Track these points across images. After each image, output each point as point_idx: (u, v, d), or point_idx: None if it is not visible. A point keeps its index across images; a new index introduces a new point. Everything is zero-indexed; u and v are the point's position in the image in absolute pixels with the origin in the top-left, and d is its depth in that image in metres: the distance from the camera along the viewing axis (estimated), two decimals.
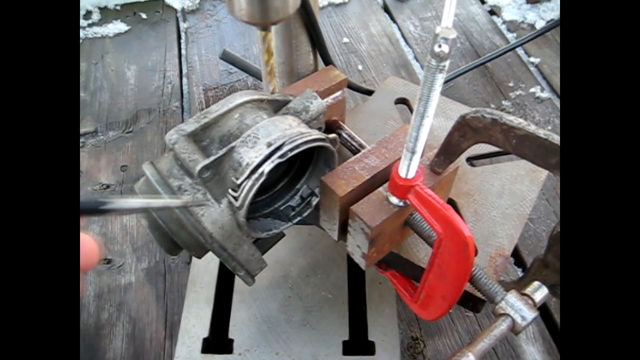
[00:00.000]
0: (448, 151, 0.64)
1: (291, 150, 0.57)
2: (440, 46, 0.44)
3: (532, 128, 0.56)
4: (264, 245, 0.70)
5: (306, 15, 0.70)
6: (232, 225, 0.60)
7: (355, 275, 0.92)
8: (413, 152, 0.56)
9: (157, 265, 1.02)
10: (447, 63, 0.46)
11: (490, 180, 0.82)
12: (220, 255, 0.61)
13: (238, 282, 0.91)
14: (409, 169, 0.58)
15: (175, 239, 0.61)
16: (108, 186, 1.16)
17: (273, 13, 0.42)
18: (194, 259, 0.96)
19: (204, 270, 0.93)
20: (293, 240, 0.94)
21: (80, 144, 1.25)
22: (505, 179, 0.82)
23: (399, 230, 0.68)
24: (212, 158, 0.57)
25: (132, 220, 1.09)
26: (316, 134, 0.60)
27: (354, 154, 0.79)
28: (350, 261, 0.93)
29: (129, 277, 1.00)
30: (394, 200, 0.63)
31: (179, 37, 1.56)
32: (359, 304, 0.90)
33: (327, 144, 0.61)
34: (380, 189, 0.65)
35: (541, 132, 0.56)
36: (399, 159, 0.68)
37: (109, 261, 1.02)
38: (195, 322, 0.88)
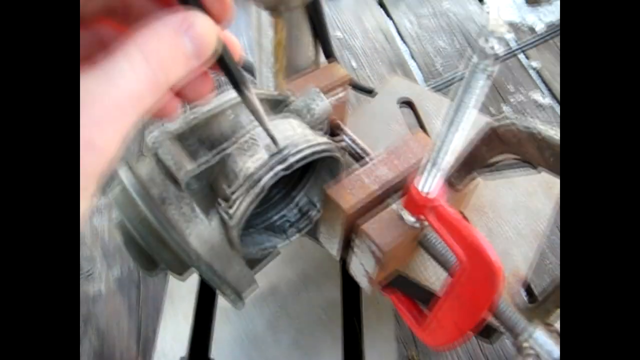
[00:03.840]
0: (470, 164, 0.57)
1: (297, 161, 0.48)
2: (487, 41, 0.36)
3: None
4: (255, 262, 0.62)
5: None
6: (223, 243, 0.52)
7: (350, 292, 0.85)
8: (437, 167, 0.48)
9: (131, 274, 0.92)
10: (495, 64, 0.39)
11: (504, 195, 0.75)
12: (207, 276, 0.53)
13: (221, 297, 0.83)
14: (429, 184, 0.51)
15: (155, 257, 0.52)
16: None
17: None
18: None
19: (183, 283, 0.84)
20: (282, 250, 0.86)
21: None
22: (520, 194, 0.75)
23: (409, 250, 0.61)
24: (202, 166, 0.49)
25: (104, 222, 0.99)
26: (324, 141, 0.52)
27: (356, 160, 0.72)
28: (345, 275, 0.85)
29: (99, 286, 0.91)
30: (409, 218, 0.55)
31: None
32: (353, 324, 0.82)
33: (336, 154, 0.53)
34: (393, 204, 0.57)
35: None
36: (412, 169, 0.60)
37: None
38: (172, 340, 0.79)
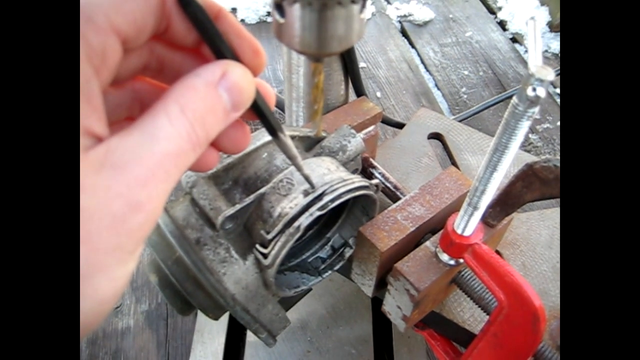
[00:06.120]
0: (506, 202, 0.56)
1: (332, 200, 0.48)
2: (534, 89, 0.36)
3: None
4: (287, 301, 0.61)
5: None
6: (257, 285, 0.52)
7: (381, 327, 0.83)
8: (475, 208, 0.47)
9: (159, 308, 0.92)
10: (537, 109, 0.38)
11: (537, 229, 0.73)
12: (241, 318, 0.53)
13: (250, 333, 0.82)
14: (467, 225, 0.50)
15: (190, 299, 0.52)
16: None
17: (335, 43, 0.33)
18: None
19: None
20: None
21: None
22: (554, 227, 0.74)
23: (444, 289, 0.60)
24: (237, 207, 0.49)
25: None
26: (359, 181, 0.51)
27: (388, 196, 0.71)
28: (375, 310, 0.84)
29: (127, 321, 0.91)
30: (445, 257, 0.54)
31: None
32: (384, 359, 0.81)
33: (371, 193, 0.53)
34: (428, 243, 0.56)
35: None
36: (447, 207, 0.60)
37: None
38: None
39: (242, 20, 1.58)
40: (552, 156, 0.52)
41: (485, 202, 0.47)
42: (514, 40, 1.54)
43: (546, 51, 1.49)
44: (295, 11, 0.32)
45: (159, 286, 0.53)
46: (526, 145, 1.21)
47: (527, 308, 0.47)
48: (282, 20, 0.33)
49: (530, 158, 0.87)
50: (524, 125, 0.39)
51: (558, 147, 1.21)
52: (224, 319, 0.85)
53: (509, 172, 0.53)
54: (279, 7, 0.33)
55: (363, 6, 0.34)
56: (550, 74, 0.35)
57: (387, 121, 0.86)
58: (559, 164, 0.51)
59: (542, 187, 0.53)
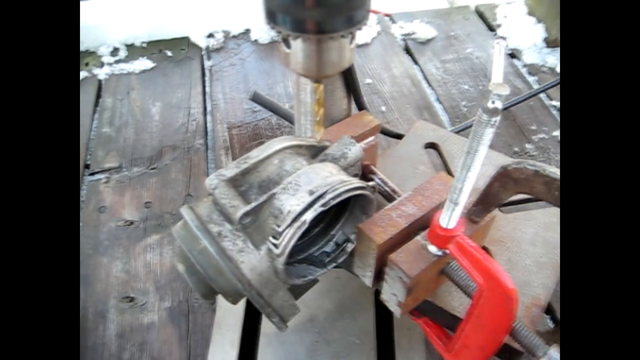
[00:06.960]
0: (486, 201, 0.64)
1: (333, 198, 0.57)
2: (493, 102, 0.44)
3: None
4: (297, 290, 0.69)
5: None
6: (270, 272, 0.60)
7: (383, 320, 0.91)
8: (456, 204, 0.56)
9: (181, 305, 1.01)
10: (498, 118, 0.46)
11: (523, 228, 0.81)
12: (256, 302, 0.61)
13: (264, 325, 0.90)
14: (450, 219, 0.58)
15: (213, 285, 0.61)
16: (132, 222, 1.16)
17: (329, 67, 0.42)
18: (220, 301, 0.95)
19: (230, 312, 0.92)
20: (320, 282, 0.93)
21: (105, 179, 1.26)
22: (538, 226, 0.81)
23: (434, 279, 0.68)
24: (252, 205, 0.57)
25: (156, 258, 1.09)
26: (357, 182, 0.60)
27: (387, 198, 0.79)
28: (378, 305, 0.92)
29: (152, 316, 0.99)
30: (433, 249, 0.62)
31: (204, 75, 1.58)
32: (387, 350, 0.89)
33: (368, 192, 0.61)
34: (418, 237, 0.64)
35: None
36: (436, 206, 0.68)
37: (131, 299, 1.02)
38: None
39: (256, 41, 1.68)
40: (523, 159, 0.60)
41: (463, 198, 0.55)
42: (512, 55, 1.63)
43: (543, 66, 1.57)
44: (298, 44, 0.41)
45: (186, 273, 0.61)
46: (522, 154, 1.28)
47: (500, 290, 0.55)
48: (288, 51, 0.42)
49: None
50: (489, 132, 0.47)
51: (553, 156, 1.28)
52: (240, 314, 0.93)
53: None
54: (285, 41, 0.41)
55: (352, 38, 0.42)
56: (506, 90, 0.44)
57: (387, 132, 0.94)
58: (529, 166, 0.59)
59: (515, 186, 0.61)
